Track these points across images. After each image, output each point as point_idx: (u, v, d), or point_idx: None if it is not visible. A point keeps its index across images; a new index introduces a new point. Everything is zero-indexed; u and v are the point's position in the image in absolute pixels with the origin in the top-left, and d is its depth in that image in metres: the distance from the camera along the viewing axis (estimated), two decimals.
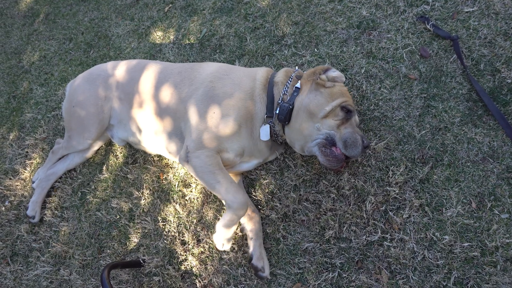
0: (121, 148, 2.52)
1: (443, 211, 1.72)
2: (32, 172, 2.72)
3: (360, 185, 1.87)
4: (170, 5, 3.25)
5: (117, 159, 2.50)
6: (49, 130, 2.88)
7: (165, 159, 2.35)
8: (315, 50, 2.38)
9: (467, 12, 2.15)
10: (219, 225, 1.71)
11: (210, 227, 2.05)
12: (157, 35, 3.09)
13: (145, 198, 2.26)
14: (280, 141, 1.93)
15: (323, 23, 2.48)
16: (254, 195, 2.06)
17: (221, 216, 2.05)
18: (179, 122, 1.96)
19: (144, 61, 2.26)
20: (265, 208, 1.99)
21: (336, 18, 2.45)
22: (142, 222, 2.19)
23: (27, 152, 2.85)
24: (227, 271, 1.91)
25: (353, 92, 2.14)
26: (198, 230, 2.06)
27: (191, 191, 2.19)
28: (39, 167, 2.68)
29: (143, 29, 3.21)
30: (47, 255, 2.31)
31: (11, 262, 2.39)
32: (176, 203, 2.18)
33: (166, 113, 2.00)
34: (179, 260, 2.02)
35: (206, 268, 1.95)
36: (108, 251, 2.18)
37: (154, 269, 2.03)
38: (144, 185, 2.30)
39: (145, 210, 2.23)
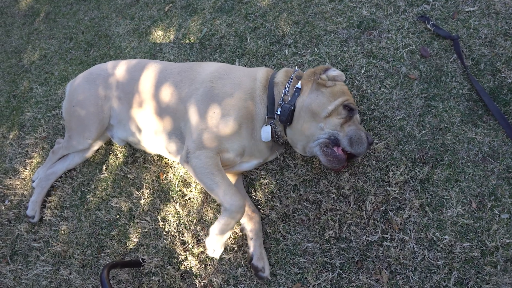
0: (121, 148, 2.52)
1: (443, 211, 1.71)
2: (32, 171, 2.72)
3: (360, 185, 1.87)
4: (171, 4, 3.25)
5: (117, 159, 2.50)
6: (49, 129, 2.88)
7: (165, 158, 2.35)
8: (316, 49, 2.37)
9: (467, 11, 2.15)
10: (213, 229, 1.69)
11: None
12: (158, 35, 3.09)
13: (145, 198, 2.26)
14: (281, 142, 1.93)
15: (324, 22, 2.47)
16: (254, 195, 2.06)
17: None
18: (179, 122, 1.96)
19: (144, 60, 2.26)
20: (265, 208, 1.99)
21: (336, 17, 2.45)
22: (142, 221, 2.18)
23: (27, 151, 2.84)
24: (226, 271, 1.91)
25: (354, 92, 2.13)
26: (198, 230, 2.06)
27: (191, 191, 2.18)
28: (39, 167, 2.68)
29: (143, 29, 3.21)
30: (47, 255, 2.30)
31: (10, 261, 2.39)
32: (176, 203, 2.18)
33: (166, 113, 2.00)
34: (179, 260, 2.02)
35: (205, 268, 1.95)
36: (108, 250, 2.18)
37: (153, 268, 2.03)
38: (144, 184, 2.30)
39: (145, 209, 2.23)
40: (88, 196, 2.42)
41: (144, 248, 2.11)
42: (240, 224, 1.94)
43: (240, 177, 2.10)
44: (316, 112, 1.71)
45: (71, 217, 2.39)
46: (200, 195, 2.15)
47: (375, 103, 2.06)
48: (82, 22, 3.70)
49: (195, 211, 2.12)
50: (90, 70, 2.36)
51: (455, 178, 1.77)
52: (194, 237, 2.05)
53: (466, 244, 1.62)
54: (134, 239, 2.16)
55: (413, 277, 1.63)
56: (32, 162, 2.76)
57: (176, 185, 2.23)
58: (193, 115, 1.85)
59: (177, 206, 2.16)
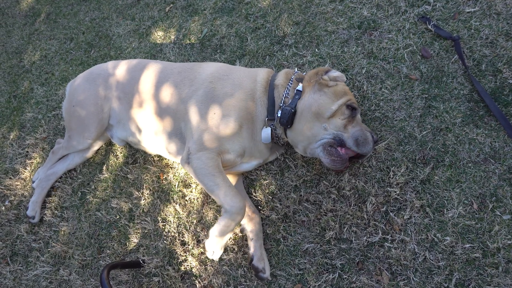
0: (121, 148, 2.51)
1: (444, 212, 1.71)
2: (32, 171, 2.72)
3: (360, 186, 1.86)
4: (171, 5, 3.25)
5: (117, 159, 2.50)
6: (49, 130, 2.88)
7: (165, 159, 2.35)
8: (316, 50, 2.37)
9: (468, 12, 2.14)
10: (213, 231, 1.67)
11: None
12: (158, 35, 3.09)
13: (145, 198, 2.26)
14: (281, 143, 1.92)
15: (324, 23, 2.47)
16: (254, 196, 2.05)
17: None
18: (179, 123, 1.96)
19: (144, 60, 2.25)
20: (265, 209, 1.99)
21: (337, 18, 2.45)
22: (142, 222, 2.18)
23: (27, 151, 2.84)
24: (227, 272, 1.90)
25: (354, 93, 2.13)
26: (198, 230, 2.06)
27: (191, 192, 2.18)
28: (39, 167, 2.68)
29: (144, 29, 3.21)
30: (47, 255, 2.30)
31: (10, 262, 2.39)
32: (176, 204, 2.17)
33: (166, 113, 2.00)
34: (179, 260, 2.01)
35: (206, 269, 1.94)
36: (108, 251, 2.18)
37: (153, 269, 2.02)
38: (144, 185, 2.30)
39: (145, 210, 2.23)
40: (88, 197, 2.41)
41: (144, 249, 2.10)
42: (240, 225, 1.93)
43: (241, 178, 2.10)
44: (320, 112, 1.71)
45: (71, 218, 2.39)
46: (200, 195, 2.15)
47: (375, 104, 2.05)
48: (82, 22, 3.70)
49: (195, 211, 2.11)
50: (91, 70, 2.36)
51: (456, 179, 1.76)
52: (194, 237, 2.04)
53: (468, 245, 1.61)
54: (134, 239, 2.15)
55: (414, 278, 1.62)
56: (33, 162, 2.76)
57: (176, 186, 2.23)
58: (193, 116, 1.85)
59: (177, 206, 2.16)
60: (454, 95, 1.95)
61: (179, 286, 1.94)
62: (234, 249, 1.94)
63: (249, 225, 1.89)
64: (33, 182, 2.56)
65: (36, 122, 3.00)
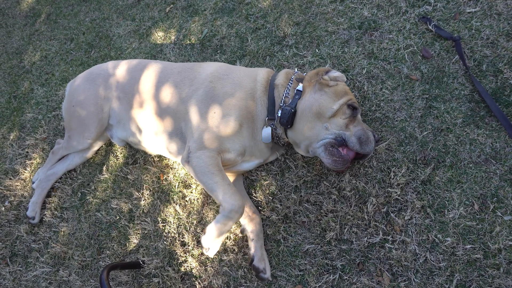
0: (121, 149, 2.51)
1: (445, 212, 1.70)
2: (32, 172, 2.72)
3: (361, 187, 1.86)
4: (171, 5, 3.25)
5: (117, 160, 2.49)
6: (49, 130, 2.87)
7: (165, 159, 2.34)
8: (317, 50, 2.37)
9: (469, 12, 2.14)
10: (210, 227, 1.65)
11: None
12: (158, 36, 3.08)
13: (145, 199, 2.25)
14: (282, 143, 1.92)
15: (325, 23, 2.47)
16: (254, 196, 2.05)
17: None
18: (179, 122, 1.95)
19: (144, 60, 2.25)
20: (265, 210, 1.98)
21: (337, 18, 2.44)
22: (142, 223, 2.17)
23: (27, 152, 2.84)
24: (227, 272, 1.89)
25: (355, 93, 2.12)
26: (198, 231, 2.05)
27: (191, 192, 2.17)
28: (39, 167, 2.67)
29: (144, 30, 3.21)
30: (47, 256, 2.30)
31: (10, 262, 2.38)
32: (176, 204, 2.17)
33: (166, 113, 1.99)
34: (179, 261, 2.01)
35: (206, 270, 1.94)
36: (108, 252, 2.17)
37: (153, 270, 2.02)
38: (144, 185, 2.29)
39: (145, 211, 2.22)
40: (88, 197, 2.41)
41: (144, 250, 2.10)
42: (240, 226, 1.93)
43: (241, 178, 2.09)
44: (321, 112, 1.70)
45: (71, 218, 2.38)
46: (201, 196, 2.14)
47: (376, 104, 2.05)
48: (83, 23, 3.70)
49: (195, 212, 2.11)
50: (90, 70, 2.36)
51: (457, 179, 1.76)
52: (194, 238, 2.04)
53: (469, 246, 1.61)
54: (134, 240, 2.15)
55: (415, 279, 1.62)
56: (32, 163, 2.76)
57: (176, 186, 2.23)
58: (194, 116, 1.84)
59: (177, 207, 2.15)
60: (455, 95, 1.95)
61: (179, 287, 1.93)
62: (234, 250, 1.94)
63: (249, 225, 1.88)
64: (33, 182, 2.56)
65: (36, 122, 2.99)
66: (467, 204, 1.70)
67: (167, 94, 1.98)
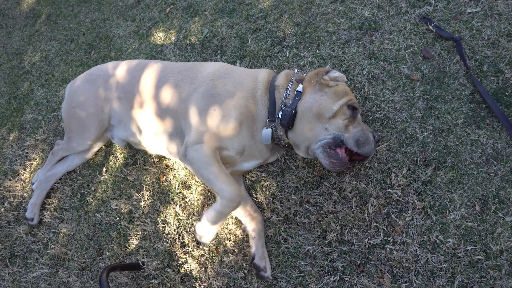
0: (121, 149, 2.50)
1: (447, 213, 1.69)
2: (32, 173, 2.71)
3: (362, 188, 1.85)
4: (172, 6, 3.25)
5: (117, 161, 2.48)
6: (49, 131, 2.87)
7: (165, 160, 2.34)
8: (317, 51, 2.36)
9: (470, 13, 2.13)
10: (206, 215, 1.64)
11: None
12: (158, 36, 3.08)
13: (145, 200, 2.24)
14: (282, 145, 1.91)
15: (325, 24, 2.46)
16: (255, 197, 2.04)
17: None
18: (179, 122, 1.94)
19: (144, 61, 2.25)
20: (266, 211, 1.97)
21: (338, 19, 2.44)
22: (142, 224, 2.17)
23: (27, 153, 2.83)
24: (227, 274, 1.89)
25: (355, 94, 2.12)
26: None
27: (191, 193, 2.17)
28: (39, 168, 2.67)
29: (144, 30, 3.21)
30: (46, 257, 2.29)
31: (9, 263, 2.38)
32: (176, 205, 2.16)
33: (167, 114, 1.99)
34: (179, 262, 2.00)
35: (206, 271, 1.93)
36: (107, 253, 2.16)
37: (153, 271, 2.01)
38: (144, 186, 2.29)
39: (144, 212, 2.22)
40: (87, 198, 2.40)
41: (144, 251, 2.09)
42: (242, 225, 1.93)
43: (241, 178, 2.09)
44: (321, 112, 1.69)
45: (70, 219, 2.38)
46: (201, 197, 2.13)
47: (377, 105, 2.04)
48: (83, 23, 3.70)
49: (195, 213, 2.10)
50: (90, 71, 2.35)
51: (458, 180, 1.75)
52: (194, 239, 2.03)
53: (470, 247, 1.60)
54: (134, 241, 2.14)
55: (416, 280, 1.61)
56: (32, 164, 2.75)
57: (176, 187, 2.22)
58: (193, 112, 1.83)
59: (177, 208, 2.14)
60: (456, 96, 1.94)
61: None
62: (234, 252, 1.93)
63: (251, 224, 1.88)
64: (33, 183, 2.55)
65: (36, 123, 2.99)
66: (468, 205, 1.69)
67: (168, 94, 1.97)
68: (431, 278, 1.60)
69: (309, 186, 1.96)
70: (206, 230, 1.66)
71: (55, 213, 2.43)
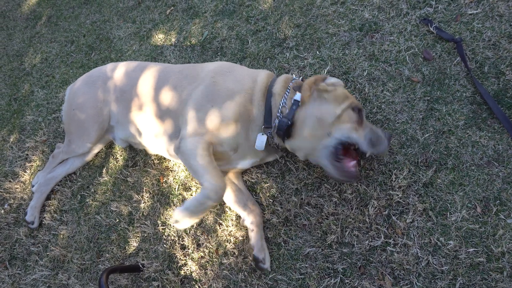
0: (121, 151, 2.50)
1: (448, 215, 1.68)
2: (32, 175, 2.71)
3: (362, 189, 1.84)
4: (172, 7, 3.25)
5: (117, 162, 2.48)
6: (49, 133, 2.87)
7: (165, 162, 2.33)
8: (317, 52, 2.36)
9: (470, 14, 2.13)
10: (187, 201, 1.62)
11: (210, 231, 2.02)
12: (159, 38, 3.08)
13: (144, 202, 2.24)
14: (279, 149, 1.90)
15: (325, 25, 2.46)
16: (255, 199, 2.03)
17: (219, 219, 2.03)
18: (178, 120, 1.94)
19: (143, 62, 2.24)
20: (266, 212, 1.97)
21: (338, 20, 2.44)
22: (142, 226, 2.16)
23: (27, 154, 2.83)
24: (227, 276, 1.88)
25: (356, 95, 2.11)
26: (198, 234, 2.04)
27: (192, 195, 2.16)
28: (39, 170, 2.66)
29: (144, 32, 3.21)
30: (46, 259, 2.28)
31: (9, 266, 2.37)
32: (176, 207, 2.15)
33: (167, 115, 1.98)
34: (179, 264, 1.99)
35: (206, 273, 1.92)
36: (107, 255, 2.16)
37: (153, 273, 2.00)
38: (144, 188, 2.28)
39: (144, 213, 2.21)
40: (87, 200, 2.40)
41: (144, 253, 2.08)
42: (241, 218, 1.94)
43: (240, 177, 2.08)
44: (323, 118, 1.66)
45: (70, 221, 2.37)
46: None
47: (377, 106, 2.04)
48: (83, 25, 3.71)
49: None
50: (90, 73, 2.35)
51: (459, 182, 1.74)
52: (194, 241, 2.02)
53: (471, 250, 1.59)
54: (134, 243, 2.13)
55: (417, 283, 1.60)
56: (32, 165, 2.75)
57: (176, 189, 2.21)
58: (191, 107, 1.82)
59: None
60: (457, 97, 1.94)
61: None
62: (234, 253, 1.92)
63: (249, 217, 1.89)
64: (33, 186, 2.54)
65: (36, 125, 2.99)
66: (469, 207, 1.68)
67: (168, 95, 1.97)
68: (432, 281, 1.59)
69: (309, 188, 1.95)
70: (183, 217, 1.62)
71: (55, 215, 2.43)
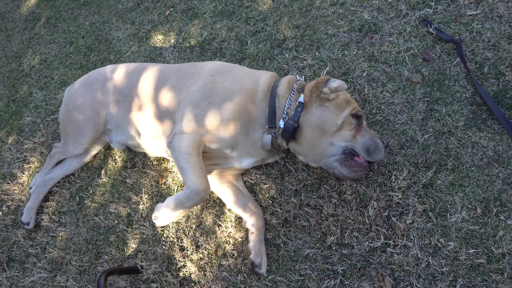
0: (120, 152, 2.49)
1: (448, 216, 1.68)
2: (30, 176, 2.70)
3: (362, 190, 1.84)
4: (171, 9, 3.25)
5: (115, 163, 2.47)
6: (48, 134, 2.86)
7: (164, 163, 2.32)
8: (317, 53, 2.35)
9: (470, 15, 2.13)
10: (169, 198, 1.63)
11: (209, 233, 2.01)
12: (158, 39, 3.08)
13: (143, 203, 2.23)
14: (282, 151, 1.90)
15: (325, 26, 2.46)
16: (255, 199, 2.02)
17: (219, 220, 2.02)
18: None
19: (143, 64, 2.24)
20: (265, 213, 1.96)
21: (337, 21, 2.44)
22: (141, 227, 2.15)
23: (25, 156, 2.82)
24: (226, 278, 1.87)
25: (355, 96, 2.11)
26: (197, 235, 2.03)
27: None
28: (37, 172, 2.65)
29: (143, 33, 3.20)
30: (44, 261, 2.27)
31: (7, 268, 2.36)
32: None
33: (166, 115, 1.97)
34: (178, 266, 1.98)
35: (205, 275, 1.91)
36: (106, 257, 2.15)
37: (152, 275, 1.99)
38: (143, 189, 2.27)
39: (143, 215, 2.20)
40: (86, 202, 2.39)
41: (143, 255, 2.07)
42: (242, 219, 1.93)
43: (240, 178, 2.07)
44: (325, 129, 1.67)
45: (68, 223, 2.36)
46: None
47: (377, 107, 2.03)
48: (82, 26, 3.70)
49: (194, 216, 2.09)
50: (89, 75, 2.35)
51: (459, 183, 1.74)
52: (193, 243, 2.01)
53: (472, 251, 1.58)
54: (132, 245, 2.12)
55: (417, 284, 1.59)
56: (31, 167, 2.74)
57: (175, 190, 2.20)
58: (188, 104, 1.81)
59: None
60: (456, 98, 1.93)
61: None
62: (233, 255, 1.91)
63: (250, 219, 1.87)
64: (31, 188, 2.53)
65: (34, 126, 2.98)
66: (469, 208, 1.67)
67: (167, 95, 1.96)
68: (432, 282, 1.58)
69: (309, 189, 1.94)
70: (163, 214, 1.63)
71: (53, 216, 2.42)
